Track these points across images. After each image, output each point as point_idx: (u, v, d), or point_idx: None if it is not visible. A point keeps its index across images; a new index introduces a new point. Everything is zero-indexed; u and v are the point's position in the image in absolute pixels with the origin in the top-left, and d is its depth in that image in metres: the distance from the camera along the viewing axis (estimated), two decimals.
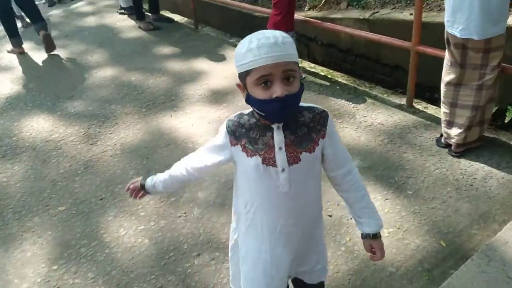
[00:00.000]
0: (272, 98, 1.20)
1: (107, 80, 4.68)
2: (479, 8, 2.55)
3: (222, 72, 4.63)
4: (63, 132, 3.72)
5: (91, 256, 2.46)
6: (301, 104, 1.33)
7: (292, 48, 1.23)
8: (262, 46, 1.18)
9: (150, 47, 5.51)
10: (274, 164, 1.32)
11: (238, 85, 1.31)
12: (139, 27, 6.11)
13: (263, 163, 1.33)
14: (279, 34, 1.21)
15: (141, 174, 3.08)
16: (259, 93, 1.22)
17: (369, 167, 2.96)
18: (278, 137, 1.31)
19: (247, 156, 1.35)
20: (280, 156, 1.31)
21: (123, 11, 6.76)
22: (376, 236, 1.45)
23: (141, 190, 1.65)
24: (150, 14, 6.34)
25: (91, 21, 6.73)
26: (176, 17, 6.59)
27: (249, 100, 1.27)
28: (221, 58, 5.02)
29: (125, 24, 6.42)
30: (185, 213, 2.71)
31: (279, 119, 1.29)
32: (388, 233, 2.43)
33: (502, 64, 2.79)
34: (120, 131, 3.68)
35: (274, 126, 1.31)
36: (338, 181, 1.45)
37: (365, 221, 1.44)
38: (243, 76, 1.25)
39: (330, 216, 2.55)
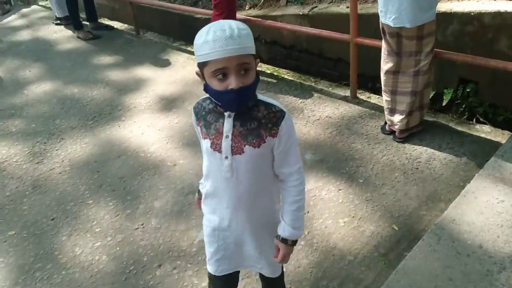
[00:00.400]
0: (227, 90, 1.26)
1: (48, 94, 4.51)
2: None
3: (168, 78, 4.58)
4: (6, 153, 3.56)
5: (47, 279, 2.37)
6: (262, 98, 1.39)
7: (247, 40, 1.26)
8: (218, 39, 1.21)
9: (91, 57, 5.36)
10: (219, 150, 1.40)
11: (197, 73, 1.35)
12: (78, 37, 5.92)
13: (211, 147, 1.41)
14: (235, 27, 1.24)
15: (93, 189, 3.00)
16: (216, 84, 1.28)
17: (320, 160, 3.03)
18: (227, 125, 1.38)
19: (202, 137, 1.45)
20: (226, 144, 1.38)
21: (59, 21, 6.53)
22: (285, 242, 1.49)
23: None
24: (88, 23, 6.17)
25: (26, 34, 6.45)
26: (116, 24, 6.45)
27: (207, 89, 1.33)
28: (165, 63, 4.96)
29: (63, 35, 6.20)
30: (142, 224, 2.67)
31: (234, 109, 1.35)
32: (344, 222, 2.50)
33: (435, 49, 2.93)
34: (67, 146, 3.57)
35: (226, 114, 1.37)
36: (282, 177, 1.49)
37: (284, 223, 1.48)
38: (201, 66, 1.30)
39: None
